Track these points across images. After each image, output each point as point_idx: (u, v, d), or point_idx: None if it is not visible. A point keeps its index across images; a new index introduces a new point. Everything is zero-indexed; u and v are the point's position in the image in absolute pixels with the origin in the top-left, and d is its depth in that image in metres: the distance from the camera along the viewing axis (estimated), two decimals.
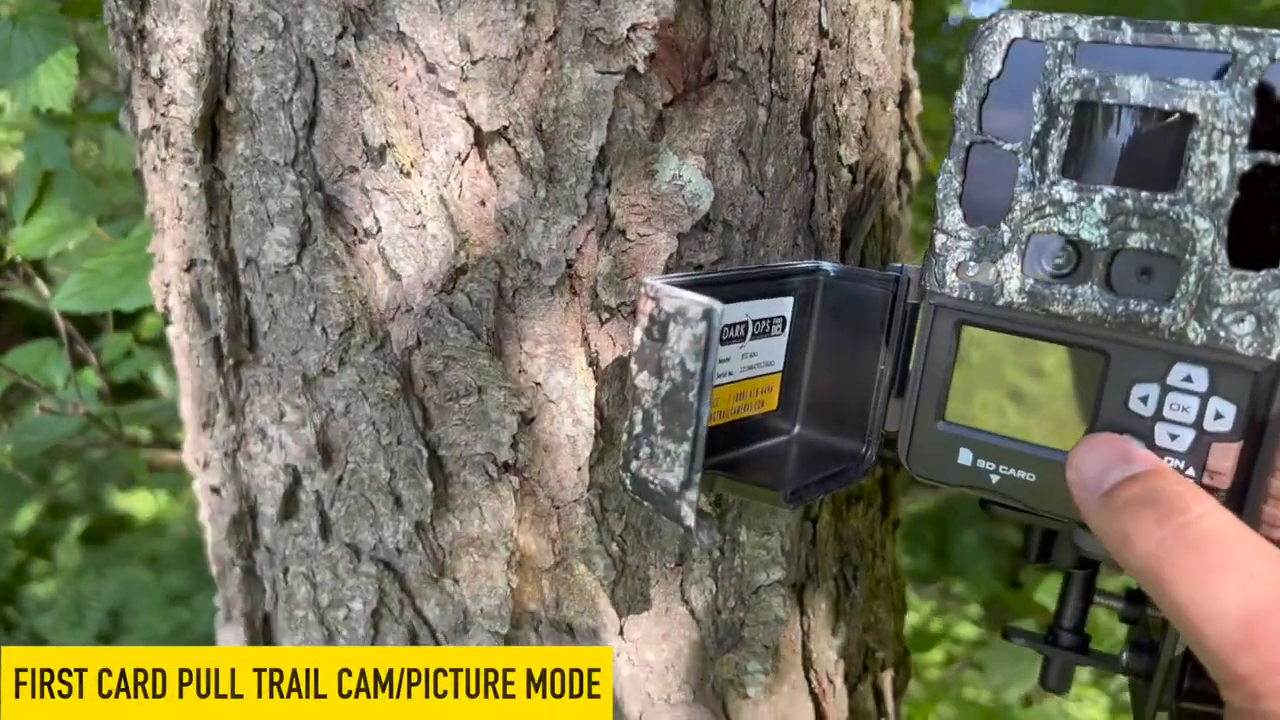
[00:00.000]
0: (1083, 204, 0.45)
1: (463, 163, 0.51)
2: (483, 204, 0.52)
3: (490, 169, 0.52)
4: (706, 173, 0.52)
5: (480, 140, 0.51)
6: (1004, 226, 0.47)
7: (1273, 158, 0.43)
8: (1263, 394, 0.45)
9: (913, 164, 0.74)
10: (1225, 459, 0.46)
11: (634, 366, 0.46)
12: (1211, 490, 0.46)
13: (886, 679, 0.76)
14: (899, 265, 0.54)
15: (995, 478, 0.51)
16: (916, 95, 0.71)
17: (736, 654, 0.61)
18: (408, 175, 0.52)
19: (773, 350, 0.55)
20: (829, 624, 0.67)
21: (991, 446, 0.51)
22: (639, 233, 0.52)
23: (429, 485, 0.57)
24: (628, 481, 0.47)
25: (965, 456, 0.51)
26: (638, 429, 0.46)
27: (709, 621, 0.61)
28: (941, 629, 1.82)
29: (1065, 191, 0.46)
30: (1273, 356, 0.44)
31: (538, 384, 0.54)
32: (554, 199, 0.51)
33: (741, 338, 0.52)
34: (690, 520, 0.44)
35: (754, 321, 0.53)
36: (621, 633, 0.59)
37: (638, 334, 0.45)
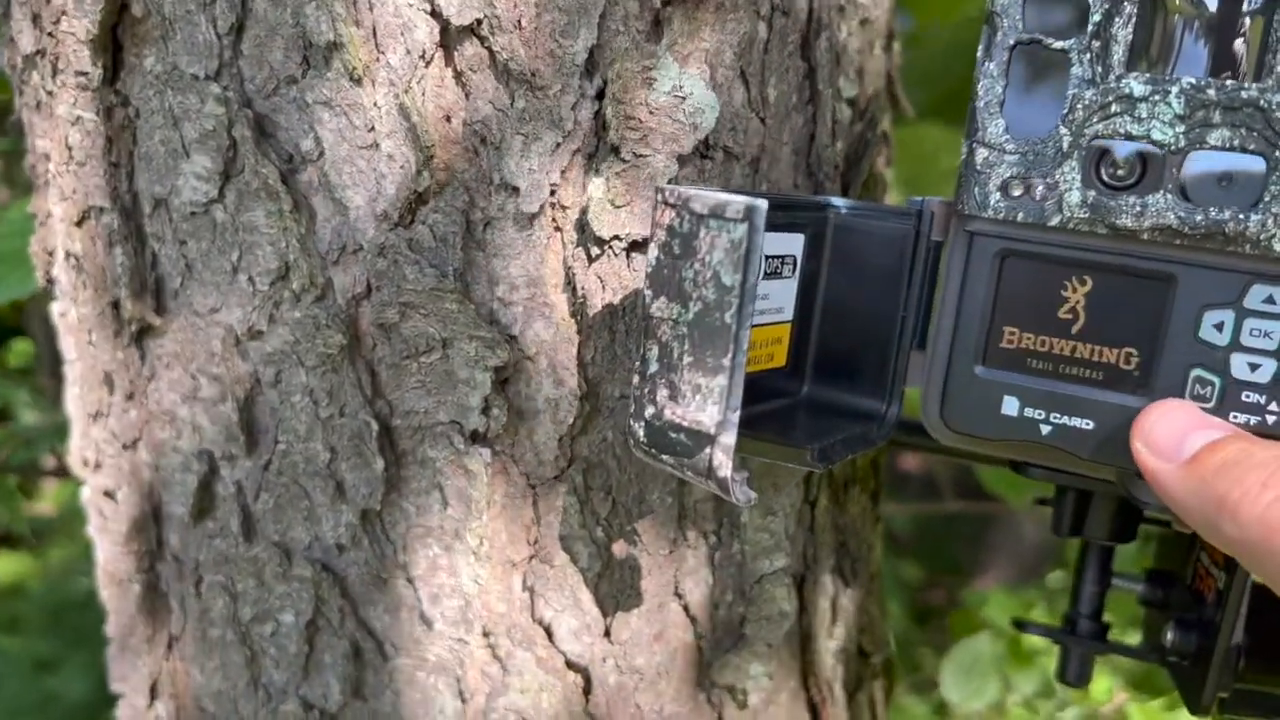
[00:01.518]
0: (1156, 98, 0.40)
1: (426, 66, 0.43)
2: (448, 119, 0.44)
3: (459, 75, 0.44)
4: (709, 86, 0.45)
5: (447, 38, 0.43)
6: (1062, 130, 0.41)
7: None
8: None
9: (888, 123, 0.68)
10: None
11: (647, 292, 0.38)
12: None
13: (878, 688, 0.69)
14: (919, 199, 0.48)
15: (1046, 428, 0.44)
16: (898, 47, 0.66)
17: (737, 655, 0.53)
18: (358, 83, 0.44)
19: (784, 295, 0.48)
20: (827, 623, 0.60)
21: (1041, 392, 0.44)
22: (634, 153, 0.45)
23: (379, 465, 0.48)
24: (640, 433, 0.39)
25: (1010, 405, 0.45)
26: (653, 367, 0.38)
27: (706, 618, 0.53)
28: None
29: (1136, 85, 0.40)
30: None
31: (512, 337, 0.46)
32: (535, 111, 0.44)
33: None
34: (726, 470, 0.37)
35: (766, 259, 0.45)
36: (608, 634, 0.51)
37: (653, 252, 0.38)
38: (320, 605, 0.52)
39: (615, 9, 0.43)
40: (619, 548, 0.50)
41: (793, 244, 0.47)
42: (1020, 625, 0.61)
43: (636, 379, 0.39)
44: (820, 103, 0.52)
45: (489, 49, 0.43)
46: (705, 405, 0.36)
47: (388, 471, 0.48)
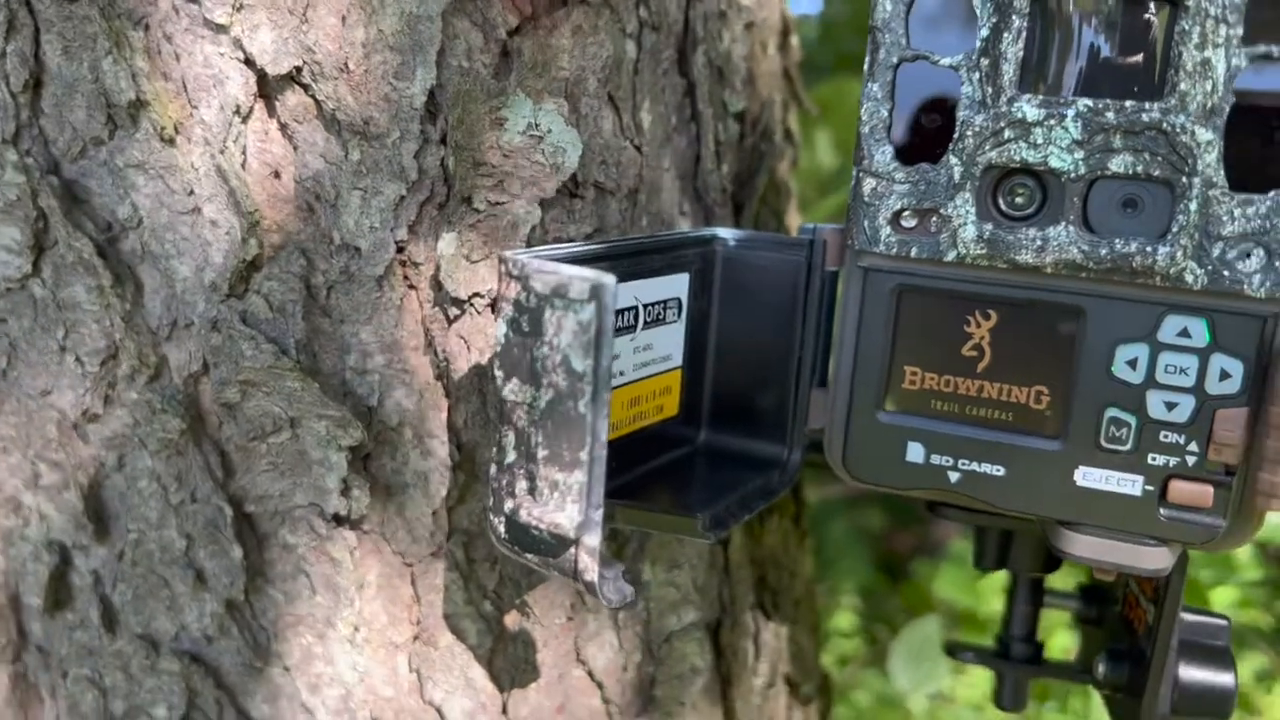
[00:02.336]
0: (1051, 122, 0.36)
1: (244, 120, 0.38)
2: (276, 175, 0.39)
3: (283, 127, 0.39)
4: (570, 120, 0.41)
5: (266, 89, 0.38)
6: (951, 160, 0.38)
7: (1275, 50, 0.34)
8: (1268, 344, 0.36)
9: (794, 122, 0.64)
10: (1234, 427, 0.37)
11: (498, 373, 0.34)
12: (1219, 469, 0.38)
13: (813, 713, 0.66)
14: (810, 226, 0.44)
15: (955, 475, 0.41)
16: (796, 40, 0.61)
17: (649, 718, 0.50)
18: (170, 143, 0.39)
19: (669, 341, 0.44)
20: (749, 665, 0.56)
21: (948, 438, 0.41)
22: (489, 200, 0.40)
23: (236, 552, 0.44)
24: (501, 529, 0.35)
25: (916, 453, 0.41)
26: (510, 456, 0.34)
27: (613, 683, 0.49)
28: (828, 629, 1.75)
29: (1029, 109, 0.36)
30: None
31: (370, 408, 0.42)
32: (372, 162, 0.39)
33: (631, 327, 0.41)
34: (592, 574, 0.33)
35: (645, 306, 0.41)
36: (505, 711, 0.47)
37: (501, 328, 0.34)
38: (194, 698, 0.47)
39: (455, 44, 0.39)
40: (510, 620, 0.46)
41: (676, 285, 0.43)
42: (952, 651, 0.58)
43: (494, 469, 0.35)
44: (703, 122, 0.47)
45: (313, 97, 0.38)
46: (564, 504, 0.32)
47: (249, 558, 0.44)
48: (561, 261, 0.35)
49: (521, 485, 0.34)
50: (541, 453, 0.33)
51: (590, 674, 0.48)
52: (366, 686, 0.46)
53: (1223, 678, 0.46)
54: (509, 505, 0.34)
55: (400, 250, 0.40)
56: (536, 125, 0.40)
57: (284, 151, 0.39)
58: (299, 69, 0.38)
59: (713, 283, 0.45)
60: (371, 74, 0.38)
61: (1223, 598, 1.10)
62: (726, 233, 0.45)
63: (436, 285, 0.41)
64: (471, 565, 0.45)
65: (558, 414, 0.32)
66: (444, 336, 0.41)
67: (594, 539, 0.32)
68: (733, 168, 0.50)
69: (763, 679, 0.58)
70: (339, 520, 0.43)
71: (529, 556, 0.35)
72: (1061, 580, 0.58)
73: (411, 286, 0.41)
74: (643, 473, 0.44)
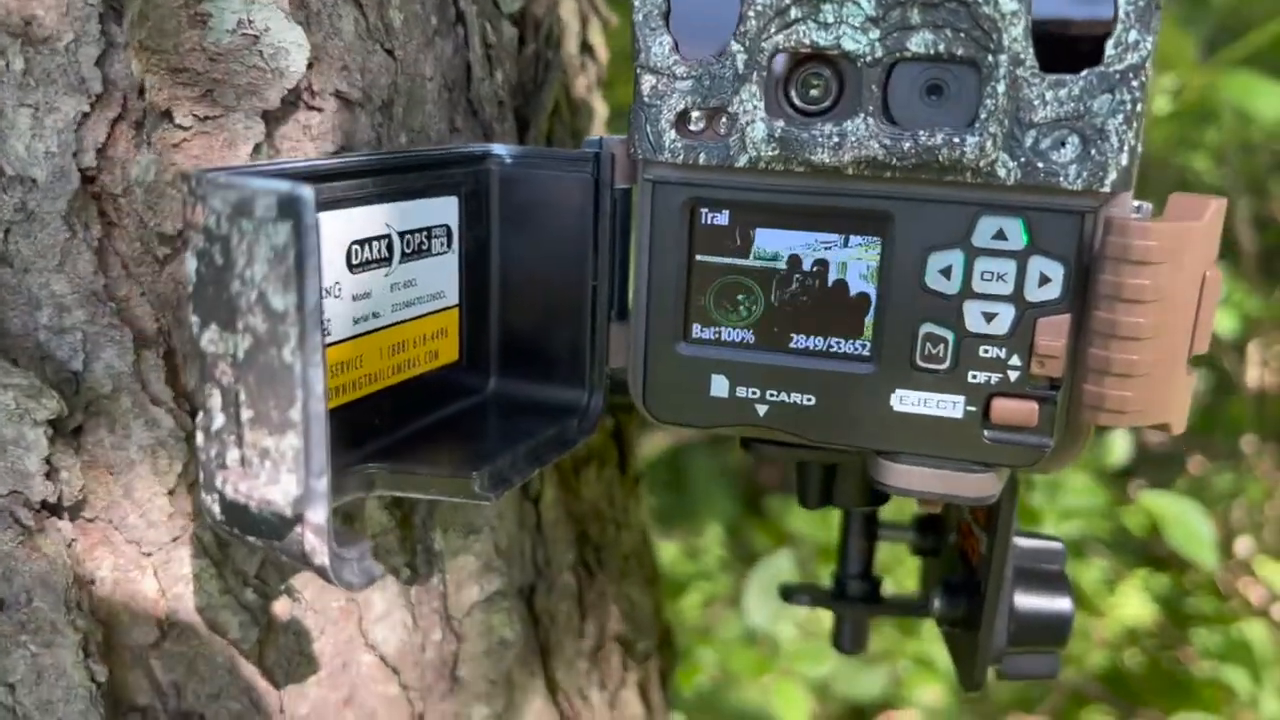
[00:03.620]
0: None
1: None
2: None
3: None
4: (295, 17, 0.34)
5: None
6: (735, 47, 0.33)
7: None
8: (1087, 243, 0.33)
9: (596, 35, 0.58)
10: (1057, 336, 0.34)
11: (193, 319, 0.28)
12: (1043, 383, 0.34)
13: (652, 670, 0.62)
14: (596, 139, 0.39)
15: (763, 408, 0.37)
16: None
17: (453, 702, 0.45)
18: None
19: (439, 276, 0.38)
20: (573, 629, 0.52)
21: (753, 367, 0.36)
22: (196, 114, 0.33)
23: None
24: (216, 510, 0.29)
25: (720, 386, 0.37)
26: (217, 421, 0.28)
27: (409, 666, 0.44)
28: (694, 570, 1.74)
29: None
30: (1105, 187, 0.32)
31: (75, 374, 0.35)
32: (42, 72, 0.32)
33: (385, 259, 0.35)
34: (323, 556, 0.27)
35: (402, 235, 0.36)
36: (283, 710, 0.41)
37: (190, 262, 0.27)
38: None
39: None
40: (279, 608, 0.40)
41: (444, 210, 0.38)
42: (787, 595, 0.55)
43: (200, 438, 0.29)
44: (467, 21, 0.41)
45: None
46: (278, 475, 0.26)
47: None
48: (274, 176, 0.28)
49: (233, 455, 0.28)
50: (246, 414, 0.27)
51: (382, 659, 0.43)
52: (119, 697, 0.39)
53: (1059, 603, 0.44)
54: (220, 479, 0.28)
55: (90, 180, 0.33)
56: (250, 22, 0.33)
57: None
58: None
59: (489, 207, 0.40)
60: None
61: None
62: (501, 149, 0.39)
63: (140, 221, 0.34)
64: (225, 550, 0.38)
65: (260, 365, 0.26)
66: (156, 281, 0.35)
67: (319, 514, 0.26)
68: (511, 78, 0.44)
69: (590, 640, 0.53)
70: (50, 509, 0.36)
71: (251, 539, 0.29)
72: (896, 511, 0.55)
73: (111, 223, 0.34)
74: (418, 429, 0.38)
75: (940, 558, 0.52)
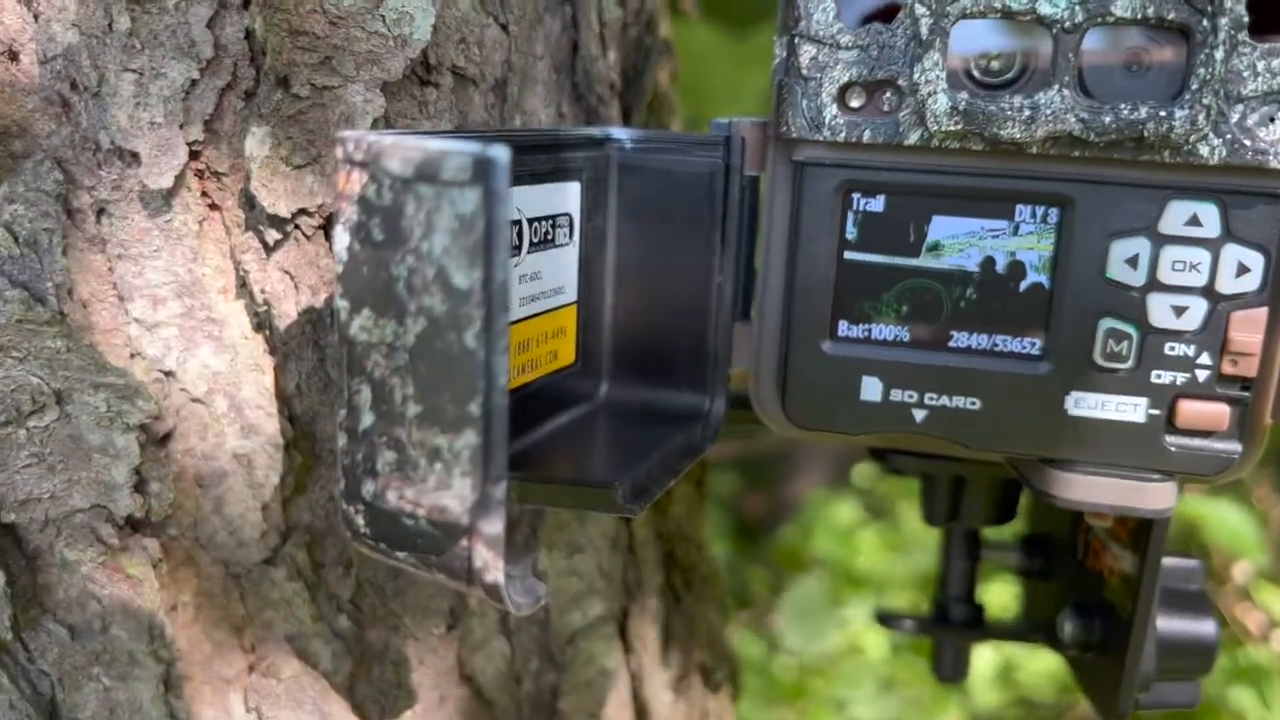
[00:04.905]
0: None
1: None
2: (12, 56, 0.28)
3: None
4: None
5: None
6: (918, 10, 0.30)
7: None
8: None
9: (665, 27, 0.55)
10: (1254, 331, 0.31)
11: (342, 304, 0.24)
12: (1234, 383, 0.31)
13: (725, 700, 0.58)
14: (724, 121, 0.36)
15: (921, 414, 0.34)
16: None
17: None
18: None
19: (561, 269, 0.35)
20: (660, 656, 0.48)
21: (910, 367, 0.33)
22: (313, 84, 0.30)
23: None
24: (360, 522, 0.25)
25: (872, 389, 0.34)
26: (366, 421, 0.25)
27: (508, 699, 0.40)
28: None
29: None
30: None
31: (168, 373, 0.31)
32: (149, 34, 0.28)
33: (515, 247, 0.32)
34: (496, 573, 0.23)
35: (531, 223, 0.32)
36: None
37: (342, 238, 0.24)
38: None
39: None
40: (374, 636, 0.36)
41: (566, 197, 0.34)
42: (885, 620, 0.52)
43: (344, 439, 0.25)
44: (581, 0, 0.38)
45: None
46: (450, 478, 0.23)
47: (14, 585, 0.33)
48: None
49: (386, 458, 0.24)
50: (413, 409, 0.23)
51: (479, 691, 0.39)
52: None
53: (1204, 626, 0.41)
54: (369, 488, 0.25)
55: (195, 155, 0.30)
56: None
57: (20, 22, 0.28)
58: None
59: (609, 195, 0.36)
60: None
61: None
62: (622, 132, 0.36)
63: (248, 202, 0.30)
64: (318, 571, 0.35)
65: (434, 352, 0.23)
66: (262, 272, 0.31)
67: (495, 525, 0.23)
68: (619, 60, 0.41)
69: (675, 670, 0.50)
70: (135, 525, 0.32)
71: (401, 555, 0.25)
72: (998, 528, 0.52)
73: (213, 205, 0.30)
74: (537, 438, 0.34)
75: (1051, 580, 0.49)
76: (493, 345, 0.22)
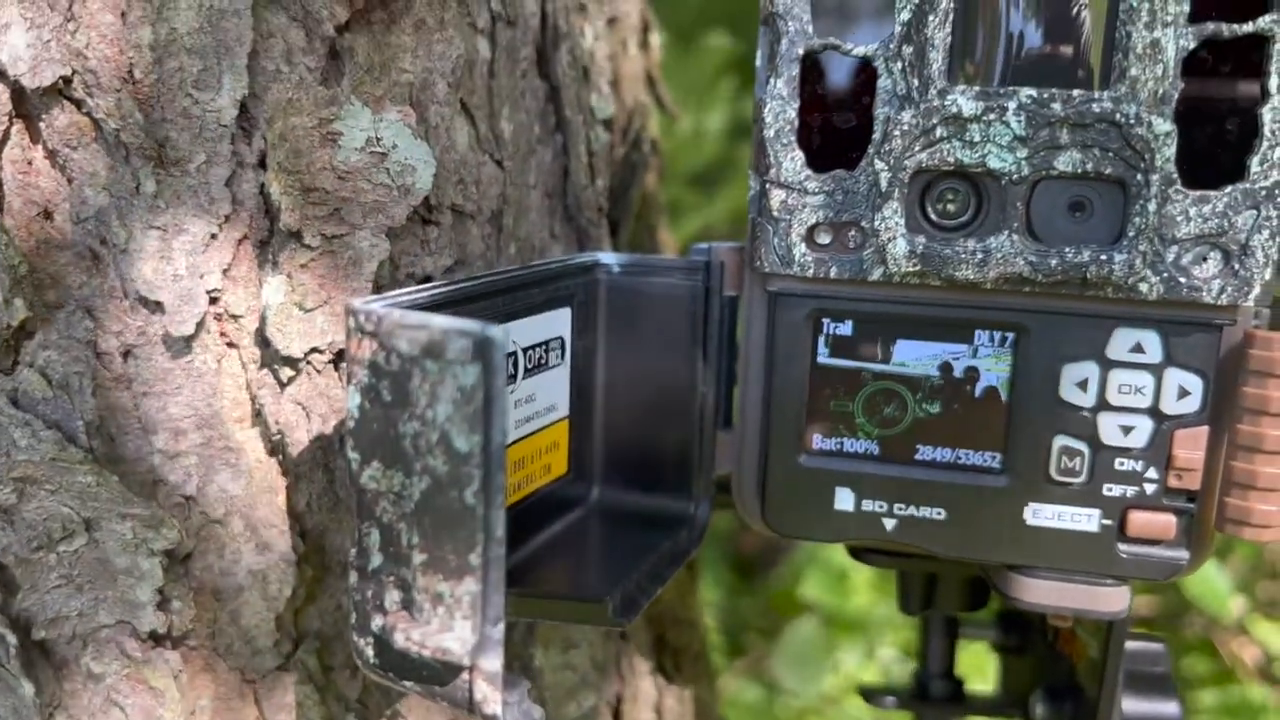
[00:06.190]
0: (990, 117, 0.31)
1: None
2: (47, 215, 0.31)
3: (52, 154, 0.30)
4: (418, 132, 0.34)
5: (25, 106, 0.30)
6: (877, 164, 0.32)
7: (1225, 28, 0.31)
8: (1227, 357, 0.33)
9: (653, 126, 0.58)
10: (1194, 448, 0.33)
11: (353, 455, 0.27)
12: (1180, 496, 0.34)
13: None
14: (704, 246, 0.38)
15: (891, 522, 0.36)
16: (656, 38, 0.56)
17: None
18: None
19: (553, 389, 0.37)
20: None
21: (881, 480, 0.36)
22: (324, 234, 0.33)
23: (27, 689, 0.35)
24: (370, 653, 0.28)
25: (845, 499, 0.36)
26: (375, 561, 0.27)
27: None
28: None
29: (964, 102, 0.31)
30: (1249, 302, 0.32)
31: (188, 498, 0.34)
32: (172, 194, 0.31)
33: (512, 377, 0.34)
34: (495, 705, 0.26)
35: (525, 351, 0.35)
36: None
37: (354, 398, 0.26)
38: None
39: (271, 44, 0.31)
40: None
41: (558, 323, 0.37)
42: (869, 696, 0.54)
43: (355, 577, 0.28)
44: (571, 131, 0.41)
45: (89, 115, 0.30)
46: (452, 622, 0.25)
47: (43, 693, 0.35)
48: (425, 309, 0.28)
49: (393, 597, 0.27)
50: (418, 557, 0.26)
51: None
52: None
53: (1167, 708, 0.43)
54: (378, 623, 0.27)
55: (214, 301, 0.32)
56: (378, 140, 0.33)
57: (54, 185, 0.31)
58: (67, 80, 0.29)
59: (596, 316, 0.39)
60: (165, 84, 0.30)
61: None
62: (609, 257, 0.39)
63: (263, 342, 0.33)
64: (328, 674, 0.37)
65: (438, 507, 0.25)
66: (276, 404, 0.34)
67: (493, 662, 0.25)
68: (606, 181, 0.44)
69: None
70: (157, 639, 0.34)
71: (408, 684, 0.27)
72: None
73: (231, 345, 0.33)
74: (534, 548, 0.37)
75: (1026, 657, 0.51)
76: (491, 501, 0.24)
